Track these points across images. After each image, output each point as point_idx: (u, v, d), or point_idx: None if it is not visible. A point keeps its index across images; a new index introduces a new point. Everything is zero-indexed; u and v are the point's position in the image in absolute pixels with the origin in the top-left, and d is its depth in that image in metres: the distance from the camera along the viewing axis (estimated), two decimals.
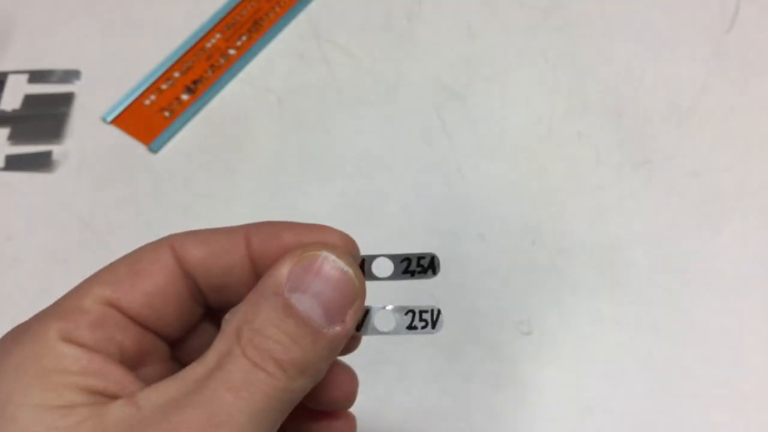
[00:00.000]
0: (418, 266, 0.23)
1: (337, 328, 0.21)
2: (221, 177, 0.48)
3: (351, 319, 0.22)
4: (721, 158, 0.47)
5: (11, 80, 0.51)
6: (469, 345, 0.42)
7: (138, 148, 0.49)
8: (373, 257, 0.23)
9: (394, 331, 0.23)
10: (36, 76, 0.51)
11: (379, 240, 0.45)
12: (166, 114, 0.50)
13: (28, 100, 0.50)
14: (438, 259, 0.24)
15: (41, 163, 0.48)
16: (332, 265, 0.22)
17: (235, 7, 0.54)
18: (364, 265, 0.23)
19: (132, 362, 0.23)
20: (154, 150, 0.48)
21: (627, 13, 0.52)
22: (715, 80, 0.49)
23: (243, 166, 0.48)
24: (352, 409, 0.41)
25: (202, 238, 0.24)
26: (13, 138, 0.49)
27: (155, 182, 0.47)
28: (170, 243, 0.23)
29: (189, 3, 0.55)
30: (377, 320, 0.23)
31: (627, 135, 0.48)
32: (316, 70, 0.51)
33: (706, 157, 0.47)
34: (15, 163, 0.48)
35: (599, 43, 0.51)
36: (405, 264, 0.23)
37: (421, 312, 0.23)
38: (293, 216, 0.46)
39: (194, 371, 0.21)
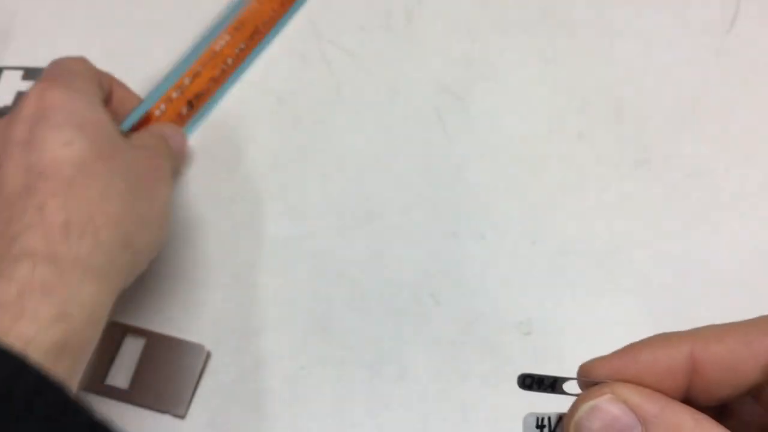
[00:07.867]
0: None
1: None
2: (221, 178, 0.48)
3: None
4: (721, 158, 0.47)
5: (5, 76, 0.50)
6: (469, 345, 0.42)
7: None
8: None
9: None
10: (31, 73, 0.51)
11: (380, 240, 0.45)
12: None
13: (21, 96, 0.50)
14: None
15: None
16: None
17: (240, 12, 0.53)
18: None
19: None
20: None
21: (627, 13, 0.52)
22: (715, 80, 0.49)
23: (243, 167, 0.48)
24: (353, 411, 0.41)
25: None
26: None
27: None
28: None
29: (189, 3, 0.55)
30: None
31: (627, 135, 0.48)
32: (316, 71, 0.51)
33: (706, 157, 0.47)
34: None
35: (599, 43, 0.51)
36: None
37: None
38: (292, 214, 0.46)
39: None
